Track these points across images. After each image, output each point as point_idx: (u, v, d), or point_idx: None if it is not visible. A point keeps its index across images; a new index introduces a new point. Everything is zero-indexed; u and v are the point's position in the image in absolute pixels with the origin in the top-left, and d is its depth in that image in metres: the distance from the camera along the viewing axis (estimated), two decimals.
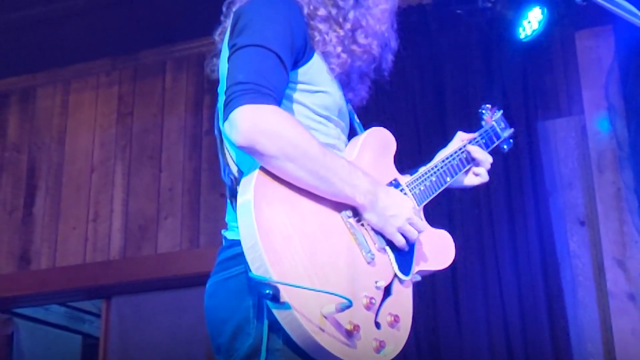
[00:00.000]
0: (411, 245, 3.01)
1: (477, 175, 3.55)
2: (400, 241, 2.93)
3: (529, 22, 6.28)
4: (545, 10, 6.22)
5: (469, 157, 3.51)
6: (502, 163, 6.14)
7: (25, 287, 7.62)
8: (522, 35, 6.32)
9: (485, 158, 3.54)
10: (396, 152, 3.21)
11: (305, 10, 3.02)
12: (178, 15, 7.19)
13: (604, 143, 6.32)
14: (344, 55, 3.05)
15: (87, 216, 7.60)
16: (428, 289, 6.03)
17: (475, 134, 3.61)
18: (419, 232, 3.00)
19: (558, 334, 5.85)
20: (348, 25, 3.05)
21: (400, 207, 2.94)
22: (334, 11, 3.05)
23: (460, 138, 3.58)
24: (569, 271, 6.14)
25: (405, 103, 6.57)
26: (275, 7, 2.92)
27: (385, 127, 3.20)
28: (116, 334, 7.48)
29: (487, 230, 6.16)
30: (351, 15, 3.06)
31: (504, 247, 6.08)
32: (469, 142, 3.55)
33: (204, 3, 6.40)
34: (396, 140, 3.23)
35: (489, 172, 3.58)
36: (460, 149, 3.51)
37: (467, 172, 3.53)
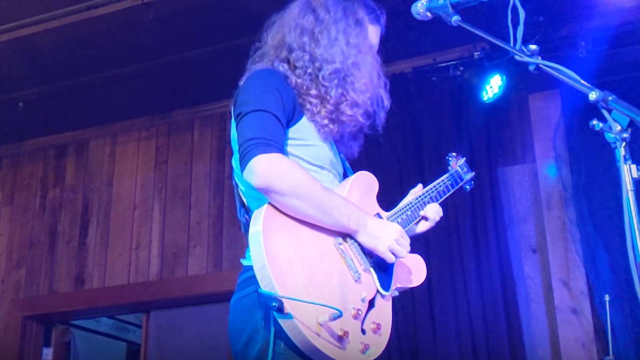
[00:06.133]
0: (391, 266, 3.00)
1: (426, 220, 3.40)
2: (390, 258, 2.92)
3: (491, 87, 6.33)
4: (504, 77, 6.27)
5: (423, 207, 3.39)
6: (469, 201, 6.18)
7: (80, 303, 7.63)
8: (485, 98, 6.36)
9: (433, 216, 3.40)
10: (381, 192, 3.18)
11: (292, 82, 3.05)
12: (203, 83, 7.24)
13: (552, 185, 6.32)
14: (331, 126, 3.04)
15: (131, 245, 7.60)
16: (409, 304, 6.04)
17: (427, 187, 3.48)
18: (407, 250, 2.98)
19: (514, 341, 5.86)
20: (334, 101, 3.03)
21: (386, 230, 2.94)
22: (322, 90, 3.04)
23: (413, 192, 3.45)
24: (524, 290, 6.13)
25: (389, 153, 6.52)
26: (265, 80, 2.97)
27: (373, 172, 3.19)
28: (154, 341, 7.48)
29: (456, 255, 6.14)
30: (334, 92, 3.03)
31: (471, 269, 6.06)
32: (425, 195, 3.42)
33: (223, 73, 6.47)
34: (383, 183, 3.23)
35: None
36: (421, 196, 3.40)
37: (417, 223, 3.38)
